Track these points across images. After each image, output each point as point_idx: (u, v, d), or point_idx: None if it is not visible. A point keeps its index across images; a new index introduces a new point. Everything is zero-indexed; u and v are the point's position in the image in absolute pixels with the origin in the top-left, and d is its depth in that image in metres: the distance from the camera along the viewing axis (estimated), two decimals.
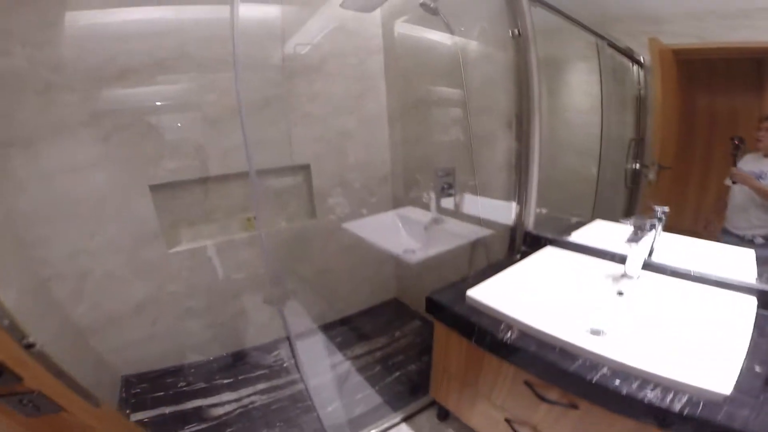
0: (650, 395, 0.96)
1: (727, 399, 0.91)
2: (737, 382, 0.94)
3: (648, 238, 1.38)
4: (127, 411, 1.95)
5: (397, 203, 2.63)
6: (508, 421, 1.40)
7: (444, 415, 1.86)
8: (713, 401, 0.92)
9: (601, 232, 1.68)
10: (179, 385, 2.15)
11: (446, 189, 2.11)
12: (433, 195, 2.13)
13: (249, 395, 2.09)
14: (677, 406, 0.92)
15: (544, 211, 1.84)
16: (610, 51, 1.63)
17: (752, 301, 1.23)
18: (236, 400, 2.06)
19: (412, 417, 1.91)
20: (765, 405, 0.90)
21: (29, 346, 0.91)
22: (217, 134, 2.03)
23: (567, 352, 1.14)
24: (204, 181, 2.11)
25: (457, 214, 2.13)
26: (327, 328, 2.65)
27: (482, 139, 1.94)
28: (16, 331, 0.90)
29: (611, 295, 1.39)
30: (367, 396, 2.06)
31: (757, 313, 1.19)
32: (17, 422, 0.88)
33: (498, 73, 1.81)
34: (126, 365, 2.16)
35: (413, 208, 2.42)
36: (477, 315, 1.36)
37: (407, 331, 2.62)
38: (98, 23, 1.71)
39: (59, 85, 1.66)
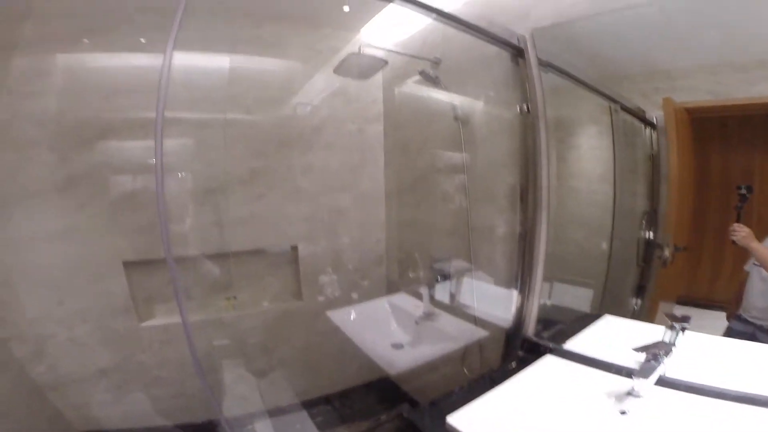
0: None
1: None
2: None
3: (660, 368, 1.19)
4: None
5: (391, 287, 2.47)
6: None
7: None
8: None
9: (609, 334, 1.50)
10: None
11: (441, 280, 1.98)
12: (426, 290, 1.98)
13: None
14: None
15: (548, 302, 1.67)
16: (623, 114, 1.52)
17: None
18: None
19: None
20: None
21: None
22: (201, 209, 1.97)
23: None
24: (183, 259, 2.00)
25: (451, 308, 1.96)
26: (308, 405, 2.38)
27: (483, 220, 1.83)
28: None
29: (613, 416, 1.17)
30: None
31: None
32: None
33: (502, 148, 1.73)
34: (85, 422, 1.98)
35: (406, 297, 2.25)
36: None
37: (394, 415, 2.27)
38: (91, 71, 1.71)
39: (40, 143, 1.63)
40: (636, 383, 1.15)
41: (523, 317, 1.67)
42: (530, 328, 1.65)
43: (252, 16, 1.94)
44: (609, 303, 1.64)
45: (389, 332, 2.07)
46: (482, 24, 1.59)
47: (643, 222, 1.51)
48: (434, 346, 1.87)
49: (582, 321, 1.60)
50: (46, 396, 1.84)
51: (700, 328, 1.26)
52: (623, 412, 1.16)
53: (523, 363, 1.48)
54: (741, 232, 1.22)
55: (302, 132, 2.15)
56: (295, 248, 2.23)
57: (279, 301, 2.30)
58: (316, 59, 2.11)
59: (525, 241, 1.67)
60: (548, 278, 1.63)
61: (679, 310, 1.40)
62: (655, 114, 1.43)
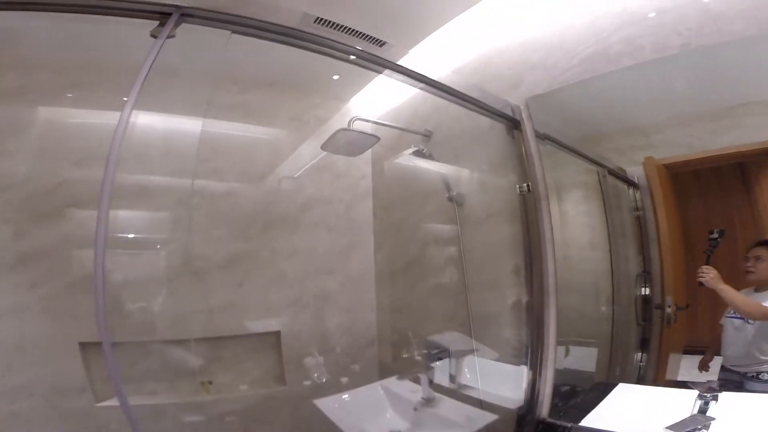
0: None
1: None
2: None
3: None
4: None
5: (384, 371, 2.27)
6: None
7: None
8: None
9: (628, 406, 1.39)
10: None
11: (440, 360, 1.83)
12: (424, 372, 1.82)
13: None
14: None
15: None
16: (611, 179, 1.55)
17: None
18: None
19: None
20: None
21: None
22: (171, 294, 1.80)
23: None
24: (150, 343, 1.80)
25: (453, 391, 1.79)
26: None
27: (484, 304, 1.76)
28: None
29: None
30: None
31: None
32: None
33: (502, 231, 1.69)
34: None
35: (402, 381, 2.04)
36: None
37: None
38: (70, 128, 1.63)
39: None
40: None
41: (536, 396, 1.54)
42: (545, 408, 1.51)
43: (239, 82, 1.93)
44: (617, 363, 1.58)
45: (385, 420, 1.86)
46: (474, 94, 1.60)
47: (638, 284, 1.49)
48: None
49: (595, 391, 1.50)
50: None
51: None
52: None
53: None
54: (709, 274, 1.26)
55: (288, 211, 2.07)
56: (276, 333, 2.05)
57: (260, 385, 2.07)
58: (303, 130, 2.09)
59: (531, 318, 1.58)
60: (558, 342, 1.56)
61: (687, 361, 1.39)
62: (635, 172, 1.46)
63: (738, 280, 1.27)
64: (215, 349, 1.91)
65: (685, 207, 1.41)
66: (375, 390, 2.01)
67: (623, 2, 1.46)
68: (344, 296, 2.18)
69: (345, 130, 1.70)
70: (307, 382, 2.04)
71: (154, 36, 1.10)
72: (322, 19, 1.30)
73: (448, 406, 1.74)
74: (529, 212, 1.58)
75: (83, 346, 1.68)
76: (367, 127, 1.88)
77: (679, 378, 1.40)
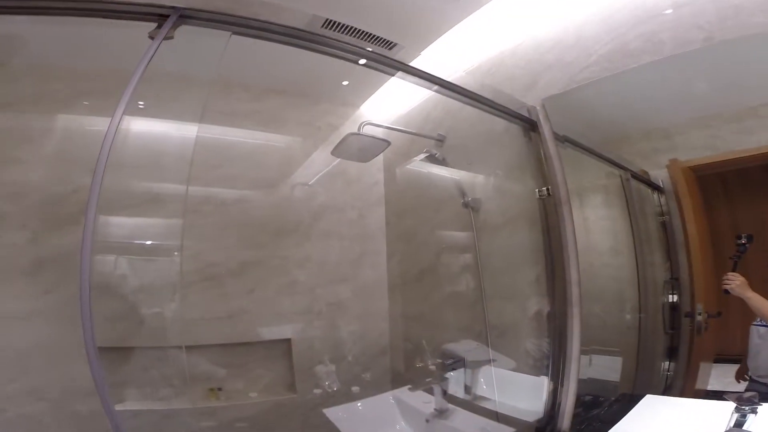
0: None
1: None
2: None
3: None
4: None
5: (396, 380, 2.22)
6: None
7: None
8: None
9: (656, 419, 1.30)
10: None
11: (454, 370, 1.77)
12: (437, 383, 1.76)
13: None
14: None
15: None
16: (635, 183, 1.49)
17: None
18: None
19: None
20: None
21: None
22: (182, 300, 1.80)
23: None
24: (163, 348, 1.81)
25: (468, 403, 1.72)
26: None
27: (502, 314, 1.70)
28: None
29: None
30: None
31: None
32: None
33: (521, 238, 1.63)
34: None
35: (414, 392, 1.97)
36: None
37: None
38: (86, 136, 1.56)
39: (11, 219, 1.52)
40: None
41: (557, 408, 1.45)
42: (565, 422, 1.43)
43: (251, 90, 1.94)
44: (643, 373, 1.50)
45: (396, 431, 1.81)
46: (488, 94, 1.56)
47: (665, 291, 1.43)
48: None
49: (620, 402, 1.43)
50: None
51: None
52: None
53: None
54: (735, 281, 1.19)
55: (300, 219, 2.07)
56: (287, 340, 2.03)
57: (270, 393, 2.05)
58: (314, 136, 2.08)
59: (552, 329, 1.52)
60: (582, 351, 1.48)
61: (718, 370, 1.32)
62: (659, 175, 1.40)
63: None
64: (226, 356, 1.90)
65: (712, 211, 1.34)
66: (386, 400, 1.96)
67: None
68: (356, 304, 2.15)
69: (355, 134, 1.68)
70: (318, 391, 2.02)
71: (151, 38, 1.09)
72: (330, 21, 1.29)
73: (462, 419, 1.67)
74: (549, 217, 1.51)
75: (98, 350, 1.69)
76: (378, 133, 1.86)
77: (709, 388, 1.33)
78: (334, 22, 1.30)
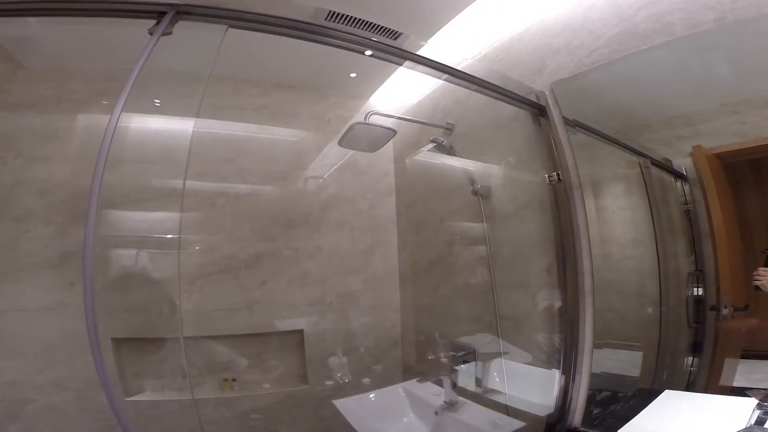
0: None
1: None
2: None
3: None
4: None
5: (407, 372, 2.21)
6: None
7: None
8: None
9: (673, 415, 1.25)
10: None
11: (465, 363, 1.75)
12: (447, 375, 1.74)
13: None
14: None
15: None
16: (656, 171, 1.42)
17: None
18: None
19: None
20: None
21: None
22: (197, 292, 1.87)
23: None
24: (178, 339, 1.85)
25: (478, 396, 1.70)
26: None
27: (512, 303, 1.66)
28: None
29: None
30: None
31: None
32: None
33: (531, 225, 1.60)
34: None
35: (424, 384, 1.96)
36: None
37: None
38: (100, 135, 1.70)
39: (38, 214, 1.60)
40: None
41: (569, 402, 1.41)
42: (577, 416, 1.39)
43: (260, 86, 1.98)
44: (664, 368, 1.43)
45: (403, 424, 1.80)
46: (496, 81, 1.54)
47: (689, 283, 1.35)
48: None
49: (638, 398, 1.36)
50: None
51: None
52: None
53: None
54: (766, 277, 1.12)
55: (311, 210, 2.09)
56: (300, 331, 2.06)
57: (282, 384, 2.08)
58: (324, 129, 2.11)
59: (564, 320, 1.48)
60: (596, 345, 1.44)
61: (744, 366, 1.23)
62: (682, 163, 1.33)
63: None
64: (240, 347, 1.94)
65: (742, 200, 1.26)
66: (396, 392, 1.95)
67: None
68: (368, 295, 2.16)
69: (360, 123, 1.68)
70: (329, 382, 2.03)
71: (151, 33, 1.12)
72: (334, 12, 1.30)
73: (471, 411, 1.65)
74: (560, 203, 1.48)
75: (116, 341, 1.75)
76: (386, 123, 1.85)
77: (735, 384, 1.25)
78: (338, 14, 1.30)
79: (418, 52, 1.46)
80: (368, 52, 1.42)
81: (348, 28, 1.33)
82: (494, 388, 1.65)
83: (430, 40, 1.75)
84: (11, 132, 1.62)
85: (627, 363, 1.53)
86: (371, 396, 1.93)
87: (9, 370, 1.63)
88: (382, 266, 2.21)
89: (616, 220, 1.60)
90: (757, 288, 1.13)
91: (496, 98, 1.58)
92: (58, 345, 1.67)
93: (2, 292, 1.58)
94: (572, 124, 1.50)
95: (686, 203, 1.34)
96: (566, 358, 1.46)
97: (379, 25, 1.36)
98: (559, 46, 1.54)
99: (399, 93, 2.07)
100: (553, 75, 1.53)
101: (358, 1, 1.48)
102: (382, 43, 1.38)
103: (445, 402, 1.68)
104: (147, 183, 1.76)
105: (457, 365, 1.72)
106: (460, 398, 1.69)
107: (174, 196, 1.78)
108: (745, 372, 1.22)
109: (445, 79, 1.58)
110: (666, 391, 1.33)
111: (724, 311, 1.26)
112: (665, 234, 1.43)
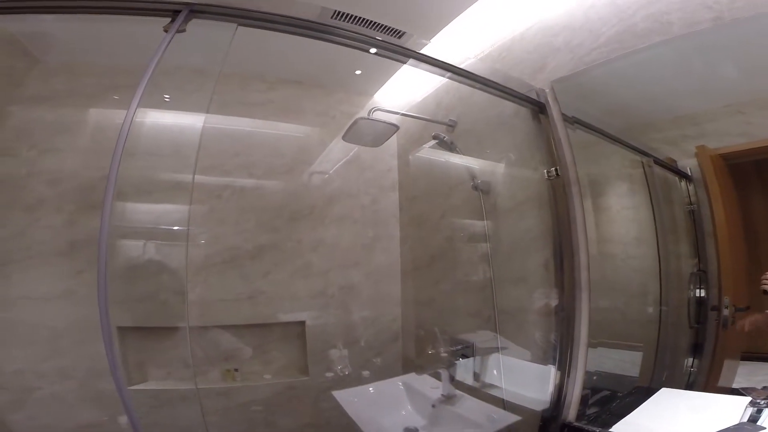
0: None
1: None
2: None
3: None
4: None
5: (407, 365, 2.23)
6: None
7: None
8: None
9: (668, 412, 1.25)
10: None
11: (463, 358, 1.76)
12: (445, 369, 1.75)
13: None
14: None
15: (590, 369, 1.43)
16: (659, 171, 1.42)
17: None
18: None
19: None
20: None
21: None
22: (203, 281, 1.90)
23: None
24: (183, 328, 1.88)
25: (475, 390, 1.71)
26: None
27: (511, 298, 1.67)
28: None
29: None
30: None
31: None
32: None
33: (530, 220, 1.61)
34: None
35: (422, 377, 1.98)
36: None
37: None
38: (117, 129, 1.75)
39: (48, 203, 1.64)
40: None
41: (563, 398, 1.42)
42: (571, 411, 1.39)
43: (267, 81, 2.02)
44: (664, 368, 1.43)
45: (401, 416, 1.81)
46: (497, 79, 1.56)
47: (692, 284, 1.35)
48: None
49: (634, 395, 1.36)
50: None
51: None
52: None
53: None
54: None
55: (314, 204, 2.11)
56: (302, 323, 2.08)
57: (283, 375, 2.11)
58: (329, 125, 2.13)
59: (561, 315, 1.48)
60: (592, 344, 1.44)
61: (745, 368, 1.23)
62: (687, 164, 1.32)
63: None
64: (242, 337, 1.97)
65: (747, 201, 1.25)
66: (394, 385, 1.97)
67: None
68: (369, 289, 2.18)
69: (364, 119, 1.70)
70: (329, 374, 2.05)
71: (166, 31, 1.16)
72: (339, 12, 1.32)
73: (468, 405, 1.66)
74: (558, 199, 1.49)
75: (121, 330, 1.77)
76: (389, 119, 1.86)
77: (735, 385, 1.25)
78: (343, 13, 1.33)
79: (421, 51, 1.48)
80: (373, 50, 1.45)
81: (353, 27, 1.36)
82: (491, 382, 1.66)
83: (433, 40, 1.78)
84: (25, 124, 1.67)
85: (626, 363, 1.52)
86: (370, 388, 1.94)
87: (17, 359, 1.67)
88: (384, 260, 2.22)
89: (619, 219, 1.60)
90: (766, 292, 1.11)
91: (498, 95, 1.59)
92: (65, 333, 1.70)
93: (13, 280, 1.61)
94: (571, 121, 1.51)
95: (690, 203, 1.33)
96: (562, 354, 1.47)
97: (383, 25, 1.39)
98: (559, 45, 1.55)
99: (403, 90, 2.08)
100: (553, 73, 1.54)
101: (363, 0, 1.51)
102: (386, 42, 1.41)
103: (442, 395, 1.69)
104: (157, 176, 1.80)
105: (456, 359, 1.73)
106: (458, 392, 1.70)
107: (182, 188, 1.81)
108: (745, 374, 1.22)
109: (449, 77, 1.61)
110: (663, 389, 1.33)
111: (725, 312, 1.26)
112: (668, 234, 1.43)
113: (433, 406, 1.70)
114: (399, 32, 1.42)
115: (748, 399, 1.06)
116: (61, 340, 1.70)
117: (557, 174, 1.48)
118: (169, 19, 1.18)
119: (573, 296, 1.43)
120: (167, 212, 1.84)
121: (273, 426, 2.04)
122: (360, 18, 1.35)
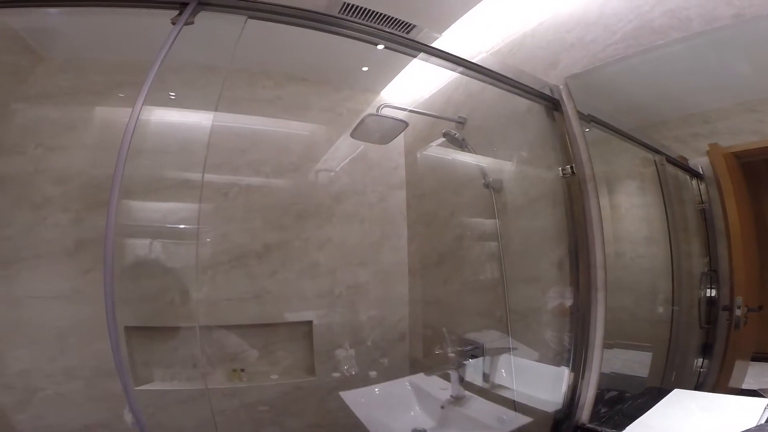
0: None
1: None
2: None
3: None
4: None
5: (414, 366, 2.21)
6: None
7: None
8: None
9: (682, 414, 1.23)
10: None
11: (473, 358, 1.74)
12: (454, 370, 1.73)
13: None
14: None
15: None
16: (671, 169, 1.40)
17: None
18: None
19: None
20: None
21: None
22: (210, 281, 1.89)
23: None
24: (189, 328, 1.89)
25: (484, 391, 1.69)
26: None
27: (523, 298, 1.65)
28: None
29: None
30: None
31: None
32: None
33: (544, 218, 1.59)
34: None
35: (431, 377, 1.96)
36: None
37: None
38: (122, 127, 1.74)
39: (55, 201, 1.63)
40: None
41: (577, 399, 1.41)
42: (585, 413, 1.38)
43: (274, 78, 2.00)
44: (674, 369, 1.41)
45: (409, 417, 1.79)
46: (510, 74, 1.53)
47: (702, 284, 1.33)
48: None
49: (646, 396, 1.35)
50: None
51: None
52: None
53: None
54: None
55: (321, 202, 2.10)
56: (309, 322, 2.07)
57: (290, 375, 2.10)
58: (336, 122, 2.11)
59: (576, 316, 1.46)
60: (607, 345, 1.43)
61: (755, 368, 1.21)
62: (698, 162, 1.31)
63: None
64: (249, 337, 1.96)
65: (760, 200, 1.23)
66: (402, 385, 1.95)
67: None
68: (377, 288, 2.16)
69: (373, 115, 1.68)
70: (336, 374, 2.04)
71: (173, 23, 1.14)
72: (348, 4, 1.30)
73: (477, 406, 1.64)
74: (573, 197, 1.47)
75: (127, 330, 1.77)
76: (397, 115, 1.84)
77: (745, 386, 1.23)
78: (352, 6, 1.31)
79: (432, 45, 1.46)
80: (380, 46, 1.43)
81: (361, 20, 1.34)
82: (502, 383, 1.64)
83: (444, 34, 1.74)
84: (31, 122, 1.65)
85: (636, 363, 1.51)
86: (377, 389, 1.93)
87: (24, 359, 1.66)
88: (392, 259, 2.21)
89: (630, 217, 1.58)
90: None
91: (510, 91, 1.57)
92: (71, 333, 1.69)
93: (20, 279, 1.60)
94: (587, 119, 1.49)
95: (702, 202, 1.32)
96: (576, 354, 1.45)
97: (392, 18, 1.36)
98: (573, 40, 1.52)
99: (410, 87, 2.07)
100: (566, 70, 1.52)
101: None
102: (396, 35, 1.38)
103: (451, 396, 1.68)
104: (164, 174, 1.79)
105: (465, 360, 1.72)
106: (467, 393, 1.68)
107: (189, 187, 1.80)
108: (755, 374, 1.21)
109: (460, 72, 1.58)
110: (675, 390, 1.32)
111: (737, 312, 1.25)
112: (679, 233, 1.41)
113: (442, 407, 1.68)
114: (409, 26, 1.40)
115: (766, 401, 1.05)
116: (68, 340, 1.69)
117: (572, 171, 1.46)
118: (177, 12, 1.16)
119: (588, 296, 1.42)
120: (174, 211, 1.83)
121: (280, 426, 2.02)
122: (369, 11, 1.33)
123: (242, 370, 1.98)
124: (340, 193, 2.11)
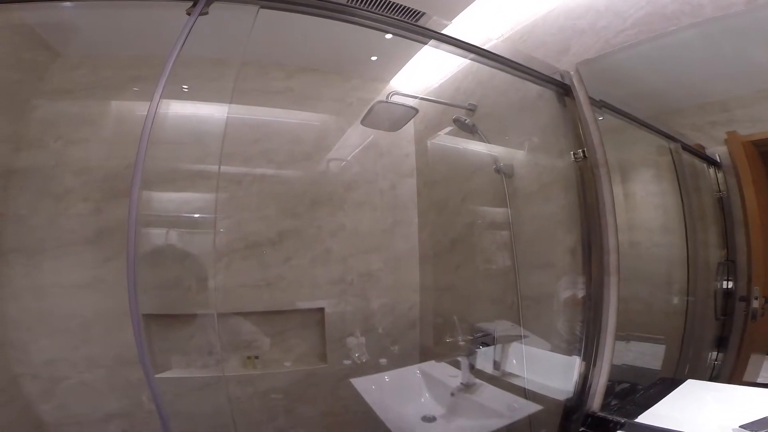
0: None
1: None
2: None
3: None
4: None
5: (425, 353, 2.22)
6: None
7: None
8: None
9: (695, 404, 1.22)
10: None
11: (484, 346, 1.74)
12: (465, 357, 1.74)
13: None
14: None
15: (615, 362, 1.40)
16: (687, 157, 1.37)
17: None
18: None
19: None
20: None
21: None
22: (225, 268, 1.93)
23: None
24: (206, 315, 1.92)
25: (496, 378, 1.69)
26: None
27: (535, 285, 1.64)
28: None
29: None
30: None
31: None
32: None
33: (556, 203, 1.57)
34: None
35: (441, 364, 1.97)
36: None
37: None
38: (139, 120, 1.76)
39: (76, 192, 1.68)
40: None
41: (588, 388, 1.40)
42: (596, 401, 1.37)
43: (284, 69, 2.02)
44: (687, 361, 1.39)
45: (419, 404, 1.81)
46: (520, 60, 1.51)
47: (719, 274, 1.30)
48: (473, 422, 1.58)
49: (659, 387, 1.33)
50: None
51: None
52: None
53: None
54: None
55: (334, 190, 2.12)
56: (321, 309, 2.09)
57: (302, 362, 2.13)
58: (347, 112, 2.13)
59: (588, 303, 1.45)
60: (620, 336, 1.41)
61: None
62: (716, 150, 1.27)
63: None
64: (262, 324, 1.99)
65: None
66: (413, 373, 1.97)
67: None
68: (388, 275, 2.17)
69: (382, 102, 1.69)
70: (347, 362, 2.06)
71: (188, 14, 1.16)
72: None
73: (488, 394, 1.64)
74: (586, 181, 1.45)
75: (146, 317, 1.82)
76: (408, 102, 1.85)
77: (760, 380, 1.21)
78: None
79: (442, 32, 1.45)
80: (388, 36, 1.42)
81: (371, 8, 1.33)
82: (512, 371, 1.64)
83: (453, 21, 1.73)
84: (51, 117, 1.70)
85: (649, 355, 1.49)
86: (388, 376, 1.95)
87: (47, 348, 1.71)
88: (403, 246, 2.21)
89: (645, 206, 1.56)
90: None
91: (521, 77, 1.55)
92: (93, 321, 1.74)
93: (44, 269, 1.65)
94: (599, 105, 1.47)
95: (719, 191, 1.29)
96: (588, 341, 1.44)
97: (401, 5, 1.36)
98: (584, 27, 1.50)
99: (420, 75, 2.06)
100: (577, 56, 1.50)
101: None
102: (406, 22, 1.38)
103: (462, 383, 1.68)
104: (180, 165, 1.82)
105: (476, 347, 1.72)
106: (478, 380, 1.69)
107: (204, 177, 1.84)
108: None
109: (470, 59, 1.57)
110: (689, 380, 1.30)
111: (755, 303, 1.22)
112: (696, 222, 1.38)
113: (452, 394, 1.69)
114: (418, 13, 1.39)
115: None
116: (91, 329, 1.74)
117: (584, 155, 1.45)
118: (191, 3, 1.17)
119: (601, 281, 1.40)
120: (189, 200, 1.87)
121: (293, 413, 2.06)
122: None
123: (256, 357, 2.02)
124: (352, 182, 2.13)
